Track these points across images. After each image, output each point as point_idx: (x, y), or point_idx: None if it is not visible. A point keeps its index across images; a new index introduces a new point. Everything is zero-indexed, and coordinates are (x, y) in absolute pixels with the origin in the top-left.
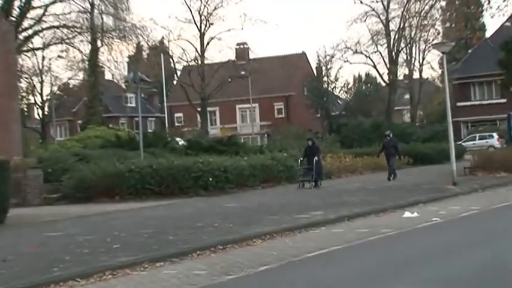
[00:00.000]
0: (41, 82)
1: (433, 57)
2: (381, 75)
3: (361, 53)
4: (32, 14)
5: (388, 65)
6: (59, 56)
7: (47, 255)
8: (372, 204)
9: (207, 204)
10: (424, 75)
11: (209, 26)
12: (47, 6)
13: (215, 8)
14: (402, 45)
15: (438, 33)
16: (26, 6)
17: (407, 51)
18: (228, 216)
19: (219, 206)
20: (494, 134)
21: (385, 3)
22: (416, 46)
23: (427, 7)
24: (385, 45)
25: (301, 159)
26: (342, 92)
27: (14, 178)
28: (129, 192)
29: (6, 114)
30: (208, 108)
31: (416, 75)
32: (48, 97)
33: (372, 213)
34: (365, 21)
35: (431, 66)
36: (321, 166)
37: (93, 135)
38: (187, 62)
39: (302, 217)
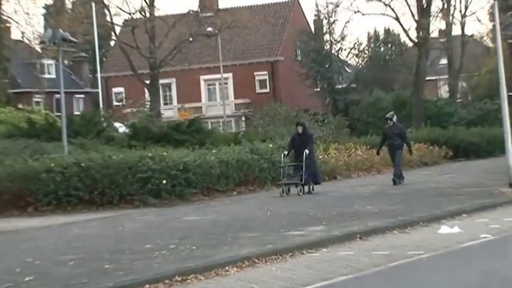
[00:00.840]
0: None
1: (481, 4)
2: (406, 32)
3: None
4: None
5: (416, 17)
6: None
7: None
8: (394, 216)
9: (160, 218)
10: (468, 31)
11: None
12: None
13: None
14: None
15: None
16: None
17: None
18: (189, 234)
19: (177, 219)
20: None
21: None
22: None
23: None
24: None
25: (286, 152)
26: (351, 56)
27: None
28: (48, 201)
29: None
30: (161, 81)
31: (457, 30)
32: None
33: (394, 228)
34: None
35: (477, 18)
36: (314, 163)
37: None
38: (130, 14)
39: (295, 234)
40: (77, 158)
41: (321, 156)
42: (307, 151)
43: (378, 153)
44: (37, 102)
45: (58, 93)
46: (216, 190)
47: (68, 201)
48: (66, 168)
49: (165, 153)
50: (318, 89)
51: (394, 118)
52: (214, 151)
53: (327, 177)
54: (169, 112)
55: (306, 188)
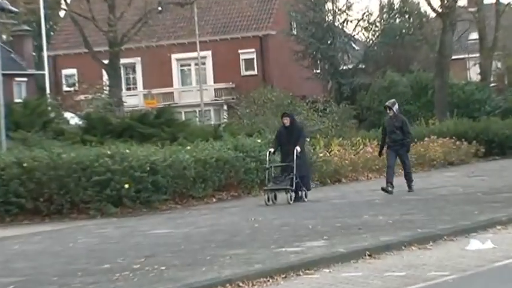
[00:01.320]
0: None
1: None
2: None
3: None
4: None
5: None
6: None
7: None
8: (412, 228)
9: (121, 231)
10: None
11: None
12: None
13: None
14: None
15: None
16: None
17: None
18: (158, 251)
19: (143, 233)
20: None
21: None
22: None
23: None
24: None
25: (272, 150)
26: (359, 30)
27: None
28: None
29: None
30: (123, 61)
31: None
32: None
33: (412, 244)
34: None
35: None
36: (307, 163)
37: None
38: None
39: (289, 251)
40: (17, 156)
41: (321, 154)
42: (298, 148)
43: (380, 155)
44: None
45: None
46: (191, 196)
47: (6, 211)
48: (3, 170)
49: (127, 151)
50: (318, 71)
51: (395, 107)
52: (188, 148)
53: (329, 180)
54: (133, 100)
55: (299, 194)
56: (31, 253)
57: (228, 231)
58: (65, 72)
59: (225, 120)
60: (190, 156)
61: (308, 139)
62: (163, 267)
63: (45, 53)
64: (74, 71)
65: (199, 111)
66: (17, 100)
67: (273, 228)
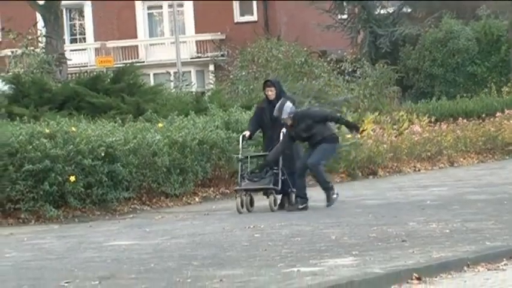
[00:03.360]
0: None
1: None
2: None
3: None
4: None
5: None
6: None
7: None
8: (479, 240)
9: (65, 241)
10: None
11: None
12: None
13: None
14: None
15: None
16: None
17: None
18: (116, 270)
19: (95, 245)
20: None
21: None
22: None
23: None
24: None
25: (247, 133)
26: None
27: None
28: None
29: None
30: (66, 1)
31: None
32: None
33: (479, 263)
34: None
35: None
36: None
37: None
38: None
39: (304, 272)
40: None
41: (349, 136)
42: (284, 131)
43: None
44: None
45: None
46: (163, 194)
47: None
48: None
49: (73, 129)
50: (344, 16)
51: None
52: (160, 125)
53: (359, 173)
54: (82, 56)
55: (282, 197)
56: None
57: (217, 243)
58: None
59: (212, 86)
60: (162, 138)
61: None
62: None
63: None
64: None
65: (174, 73)
66: None
67: (281, 240)
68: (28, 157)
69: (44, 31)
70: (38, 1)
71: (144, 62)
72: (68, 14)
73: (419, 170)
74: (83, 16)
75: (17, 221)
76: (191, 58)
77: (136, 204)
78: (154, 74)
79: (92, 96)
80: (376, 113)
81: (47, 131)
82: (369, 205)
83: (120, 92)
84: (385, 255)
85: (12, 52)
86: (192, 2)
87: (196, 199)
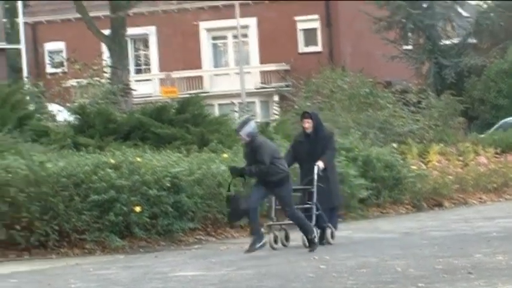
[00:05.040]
0: None
1: None
2: None
3: None
4: None
5: None
6: None
7: None
8: None
9: (130, 272)
10: None
11: None
12: None
13: None
14: None
15: None
16: None
17: None
18: None
19: (161, 276)
20: None
21: None
22: None
23: None
24: None
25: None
26: None
27: None
28: None
29: None
30: (131, 31)
31: None
32: None
33: None
34: None
35: None
36: (336, 187)
37: None
38: None
39: None
40: None
41: (414, 167)
42: (320, 164)
43: None
44: None
45: None
46: (228, 225)
47: None
48: None
49: (138, 159)
50: (409, 47)
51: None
52: (225, 156)
53: (425, 204)
54: (146, 87)
55: (321, 233)
56: None
57: (282, 274)
58: (49, 46)
59: (277, 116)
60: (227, 168)
61: (395, 145)
62: None
63: (20, 20)
64: (61, 45)
65: (239, 103)
66: None
67: (346, 271)
68: (93, 187)
69: (109, 61)
70: (104, 31)
71: (208, 92)
72: (133, 44)
73: (485, 202)
74: (148, 46)
75: (82, 251)
76: (256, 88)
77: (201, 235)
78: (219, 105)
79: (157, 126)
80: (442, 144)
81: (112, 161)
82: (434, 236)
83: (185, 122)
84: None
85: (77, 82)
86: (256, 32)
87: (262, 229)
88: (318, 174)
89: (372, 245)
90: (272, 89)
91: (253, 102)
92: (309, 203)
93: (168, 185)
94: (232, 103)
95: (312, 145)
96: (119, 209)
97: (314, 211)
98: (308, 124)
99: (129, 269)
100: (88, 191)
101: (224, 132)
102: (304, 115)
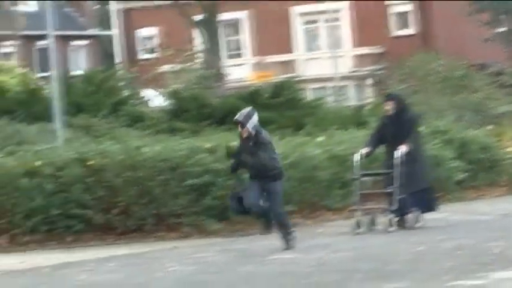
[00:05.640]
0: None
1: None
2: None
3: None
4: None
5: None
6: None
7: None
8: None
9: (227, 256)
10: None
11: None
12: None
13: None
14: None
15: None
16: None
17: None
18: (281, 284)
19: (258, 259)
20: None
21: None
22: None
23: None
24: None
25: (365, 151)
26: None
27: None
28: (32, 226)
29: None
30: (223, 16)
31: None
32: None
33: None
34: None
35: None
36: (424, 169)
37: None
38: None
39: (468, 285)
40: (80, 151)
41: (510, 149)
42: (403, 148)
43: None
44: (6, 54)
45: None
46: (324, 208)
47: (67, 227)
48: (61, 170)
49: (235, 143)
50: (504, 29)
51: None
52: (320, 139)
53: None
54: (239, 71)
55: (410, 217)
56: (103, 286)
57: (380, 256)
58: (142, 32)
59: (370, 99)
60: (322, 152)
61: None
62: None
63: (113, 7)
64: (154, 30)
65: (332, 87)
66: (74, 72)
67: (444, 253)
68: (189, 171)
69: (201, 47)
70: (196, 17)
71: (301, 76)
72: (225, 29)
73: None
74: (240, 31)
75: (179, 234)
76: (349, 72)
77: (298, 218)
78: (312, 89)
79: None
80: None
81: (208, 145)
82: None
83: (279, 106)
84: None
85: (171, 68)
86: (348, 16)
87: (358, 213)
88: (404, 158)
89: (469, 227)
90: (365, 73)
91: (347, 86)
92: (390, 187)
93: None
94: (325, 87)
95: (395, 127)
96: (215, 193)
97: (396, 195)
98: (389, 106)
99: (226, 252)
100: (184, 175)
101: (318, 116)
102: (387, 97)
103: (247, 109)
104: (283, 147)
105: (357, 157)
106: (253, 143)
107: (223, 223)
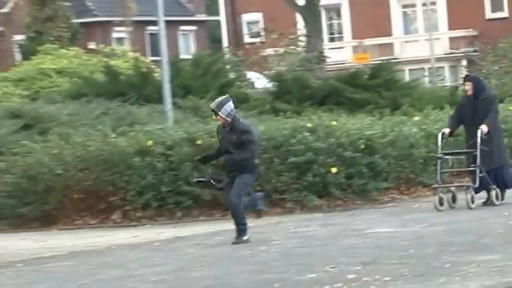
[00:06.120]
0: None
1: None
2: None
3: None
4: None
5: None
6: None
7: None
8: None
9: (328, 229)
10: None
11: None
12: None
13: None
14: None
15: None
16: None
17: None
18: (379, 256)
19: (357, 232)
20: None
21: None
22: None
23: None
24: None
25: (447, 130)
26: None
27: None
28: (144, 202)
29: None
30: (324, 1)
31: None
32: None
33: None
34: None
35: None
36: (500, 149)
37: (51, 69)
38: None
39: None
40: (189, 130)
41: None
42: (484, 128)
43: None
44: (119, 40)
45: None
46: (420, 184)
47: (177, 203)
48: (171, 148)
49: (334, 123)
50: None
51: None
52: (416, 119)
53: None
54: (339, 54)
55: (491, 194)
56: (211, 258)
57: (473, 230)
58: (247, 17)
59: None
60: (418, 130)
61: None
62: (387, 278)
63: None
64: (258, 16)
65: (428, 68)
66: (183, 56)
67: None
68: (292, 150)
69: (304, 31)
70: (298, 2)
71: (399, 58)
72: (326, 13)
73: None
74: (340, 15)
75: (282, 210)
76: (444, 54)
77: (394, 194)
78: (409, 70)
79: (350, 91)
80: None
81: (309, 125)
82: None
83: (377, 87)
84: None
85: (274, 51)
86: (444, 2)
87: (452, 189)
88: (481, 137)
89: None
90: (460, 54)
91: (443, 67)
92: (473, 165)
93: (363, 147)
94: (422, 68)
95: (474, 107)
96: (316, 170)
97: (478, 173)
98: (468, 87)
99: (327, 227)
100: (287, 154)
101: (415, 96)
102: (466, 78)
103: (221, 97)
104: (381, 126)
105: (439, 137)
106: (231, 131)
107: (324, 199)
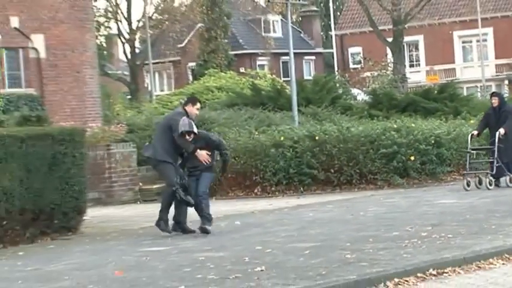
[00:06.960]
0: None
1: None
2: None
3: None
4: None
5: None
6: None
7: (143, 283)
8: None
9: (407, 200)
10: None
11: None
12: None
13: None
14: None
15: None
16: None
17: None
18: (443, 220)
19: (428, 203)
20: None
21: None
22: None
23: None
24: None
25: (476, 132)
26: None
27: (92, 158)
28: (277, 180)
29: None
30: (406, 38)
31: None
32: (140, 23)
33: None
34: None
35: None
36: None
37: (214, 86)
38: None
39: None
40: (309, 130)
41: None
42: (501, 131)
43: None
44: (261, 66)
45: (285, 54)
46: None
47: (300, 181)
48: (297, 142)
49: (412, 125)
50: None
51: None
52: (472, 122)
53: None
54: (416, 76)
55: (502, 180)
56: (324, 220)
57: (510, 202)
58: (351, 50)
59: (507, 94)
60: (473, 130)
61: None
62: (450, 235)
63: (332, 32)
64: (359, 49)
65: (480, 86)
66: (306, 77)
67: None
68: (382, 144)
69: (391, 59)
70: (388, 39)
71: (459, 79)
72: (407, 47)
73: None
74: (418, 48)
75: (375, 187)
76: (492, 76)
77: (456, 176)
78: (466, 87)
79: (424, 102)
80: None
81: (395, 126)
82: None
83: (443, 99)
84: None
85: (370, 74)
86: (492, 37)
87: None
88: (499, 138)
89: None
90: (503, 76)
91: (490, 86)
92: (491, 158)
93: (433, 142)
94: (475, 86)
95: (497, 116)
96: (399, 158)
97: (495, 164)
98: (494, 101)
99: (407, 199)
100: (379, 146)
101: (471, 106)
102: (492, 94)
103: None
104: (447, 127)
105: (468, 137)
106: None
107: (405, 179)
